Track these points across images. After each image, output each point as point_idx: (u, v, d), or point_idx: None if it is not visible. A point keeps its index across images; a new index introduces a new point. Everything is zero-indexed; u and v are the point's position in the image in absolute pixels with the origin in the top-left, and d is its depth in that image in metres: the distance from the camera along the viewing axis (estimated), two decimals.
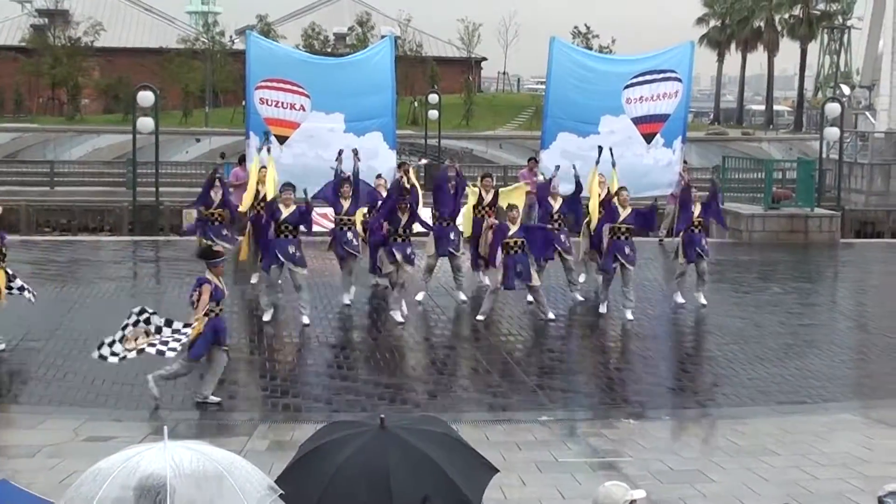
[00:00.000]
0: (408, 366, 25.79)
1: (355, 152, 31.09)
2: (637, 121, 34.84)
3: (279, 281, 29.14)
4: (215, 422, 20.91)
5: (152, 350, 20.28)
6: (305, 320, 27.82)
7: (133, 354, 20.24)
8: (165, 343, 20.39)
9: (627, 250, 28.93)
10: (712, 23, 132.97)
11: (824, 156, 53.77)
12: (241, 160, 38.54)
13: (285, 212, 27.95)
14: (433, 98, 71.68)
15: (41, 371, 24.33)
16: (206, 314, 21.26)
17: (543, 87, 39.95)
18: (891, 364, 25.81)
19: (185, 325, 20.80)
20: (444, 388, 24.08)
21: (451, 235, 30.62)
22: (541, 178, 33.67)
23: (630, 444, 20.33)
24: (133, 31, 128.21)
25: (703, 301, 31.07)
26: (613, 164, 31.14)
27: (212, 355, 21.58)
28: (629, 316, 29.07)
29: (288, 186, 28.78)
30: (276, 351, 26.35)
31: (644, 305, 31.01)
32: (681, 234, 30.84)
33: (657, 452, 19.75)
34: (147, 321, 20.66)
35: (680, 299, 31.16)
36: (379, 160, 34.16)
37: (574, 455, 19.46)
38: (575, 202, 31.24)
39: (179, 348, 20.69)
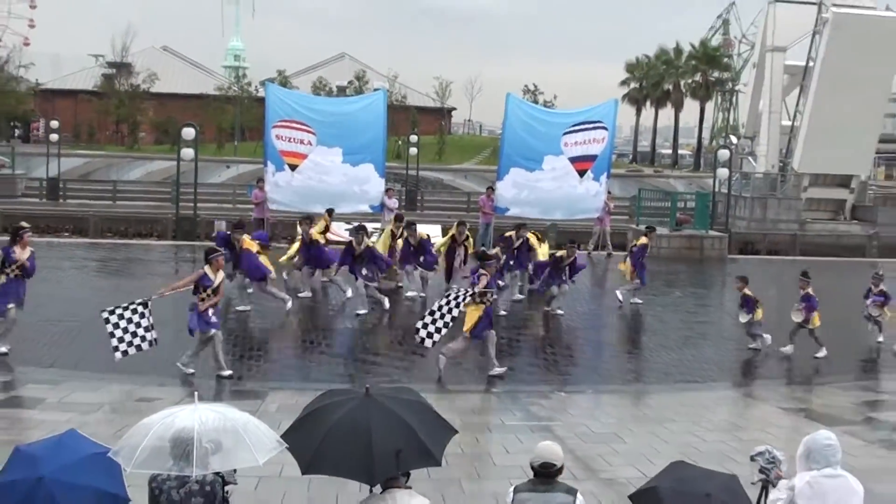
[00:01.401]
0: (388, 348, 25.71)
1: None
2: (573, 160, 35.12)
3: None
4: (236, 389, 20.86)
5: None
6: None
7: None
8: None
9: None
10: (632, 84, 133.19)
11: (717, 190, 53.90)
12: (259, 181, 38.97)
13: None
14: (413, 138, 71.77)
15: (104, 345, 24.21)
16: (482, 301, 21.97)
17: (500, 131, 40.02)
18: (761, 353, 25.87)
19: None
20: (417, 365, 24.01)
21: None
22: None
23: (561, 412, 20.34)
24: (180, 80, 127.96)
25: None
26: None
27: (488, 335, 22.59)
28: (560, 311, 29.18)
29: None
30: (285, 336, 26.25)
31: (574, 304, 31.03)
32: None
33: (582, 418, 19.78)
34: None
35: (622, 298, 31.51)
36: (370, 185, 34.44)
37: (517, 420, 19.46)
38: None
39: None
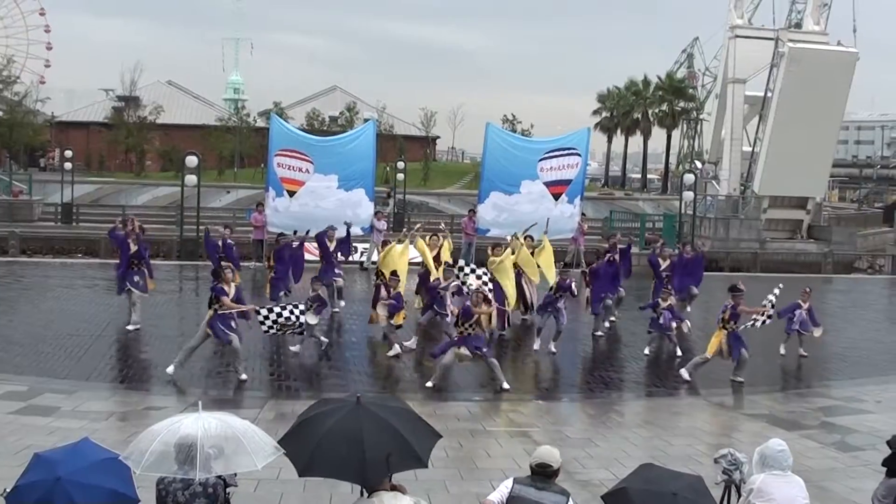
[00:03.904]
0: (378, 361, 25.73)
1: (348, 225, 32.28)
2: (548, 184, 35.12)
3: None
4: (236, 398, 20.88)
5: None
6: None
7: None
8: None
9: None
10: (604, 114, 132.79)
11: (683, 212, 54.04)
12: (258, 205, 39.14)
13: None
14: (400, 164, 71.83)
15: (113, 358, 24.30)
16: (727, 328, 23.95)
17: (481, 158, 40.09)
18: (726, 362, 25.81)
19: None
20: (404, 376, 24.06)
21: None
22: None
23: (539, 418, 20.40)
24: (184, 112, 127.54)
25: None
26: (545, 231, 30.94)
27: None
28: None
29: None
30: (280, 348, 26.23)
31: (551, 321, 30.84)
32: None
33: (558, 425, 19.86)
34: None
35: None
36: (362, 208, 34.55)
37: (498, 426, 19.53)
38: None
39: None
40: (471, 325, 22.24)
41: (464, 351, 22.10)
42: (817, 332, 27.47)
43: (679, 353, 26.80)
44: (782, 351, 27.33)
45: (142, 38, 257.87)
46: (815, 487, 13.36)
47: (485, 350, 22.40)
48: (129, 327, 27.47)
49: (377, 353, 26.43)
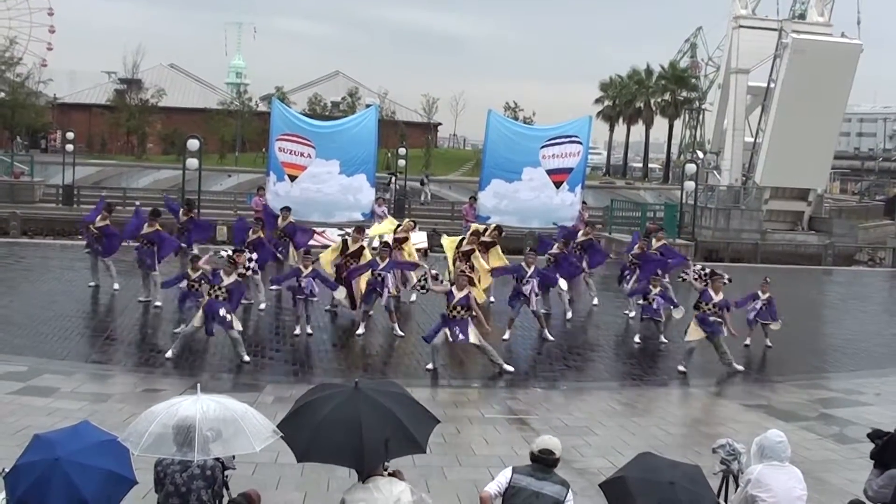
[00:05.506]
0: (375, 346, 25.70)
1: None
2: (549, 172, 34.99)
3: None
4: (235, 381, 20.88)
5: None
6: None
7: None
8: None
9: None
10: (606, 102, 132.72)
11: (684, 201, 53.98)
12: (259, 189, 39.05)
13: None
14: (402, 151, 71.86)
15: (113, 340, 24.28)
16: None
17: (483, 145, 40.00)
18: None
19: None
20: (402, 362, 24.04)
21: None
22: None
23: (537, 406, 20.37)
24: (186, 95, 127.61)
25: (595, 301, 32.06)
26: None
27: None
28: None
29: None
30: (280, 334, 26.22)
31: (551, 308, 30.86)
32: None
33: (557, 412, 19.81)
34: None
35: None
36: (363, 194, 34.39)
37: (496, 412, 19.49)
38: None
39: None
40: (461, 309, 22.58)
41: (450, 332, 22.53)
42: (775, 326, 27.29)
43: (663, 340, 26.93)
44: (747, 342, 27.11)
45: (144, 21, 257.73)
46: (812, 479, 13.36)
47: (461, 338, 22.59)
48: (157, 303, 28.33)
49: (375, 338, 26.42)
